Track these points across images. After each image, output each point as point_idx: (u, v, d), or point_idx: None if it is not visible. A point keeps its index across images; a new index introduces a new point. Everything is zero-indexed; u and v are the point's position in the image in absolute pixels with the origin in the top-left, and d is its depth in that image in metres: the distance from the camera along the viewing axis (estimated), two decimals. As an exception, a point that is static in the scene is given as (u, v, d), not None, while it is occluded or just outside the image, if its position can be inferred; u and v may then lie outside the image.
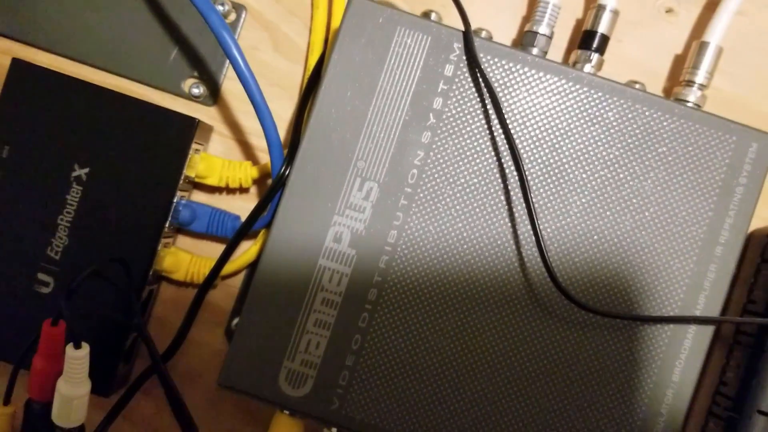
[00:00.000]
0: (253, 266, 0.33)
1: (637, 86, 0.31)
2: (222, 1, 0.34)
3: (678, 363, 0.28)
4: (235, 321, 0.34)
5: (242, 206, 0.34)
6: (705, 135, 0.29)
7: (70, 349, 0.27)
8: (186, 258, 0.33)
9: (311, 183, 0.29)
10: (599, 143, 0.28)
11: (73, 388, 0.28)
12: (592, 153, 0.28)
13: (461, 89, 0.28)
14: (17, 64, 0.32)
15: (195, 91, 0.34)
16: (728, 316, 0.30)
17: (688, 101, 0.31)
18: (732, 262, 0.28)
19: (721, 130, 0.29)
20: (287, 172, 0.29)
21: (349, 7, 0.28)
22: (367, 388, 0.28)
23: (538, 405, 0.28)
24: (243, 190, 0.34)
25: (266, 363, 0.28)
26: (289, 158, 0.29)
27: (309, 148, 0.29)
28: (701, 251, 0.28)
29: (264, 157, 0.34)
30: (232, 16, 0.34)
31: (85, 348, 0.28)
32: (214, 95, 0.34)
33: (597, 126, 0.29)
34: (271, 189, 0.29)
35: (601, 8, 0.31)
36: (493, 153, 0.28)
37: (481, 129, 0.28)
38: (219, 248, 0.34)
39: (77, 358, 0.27)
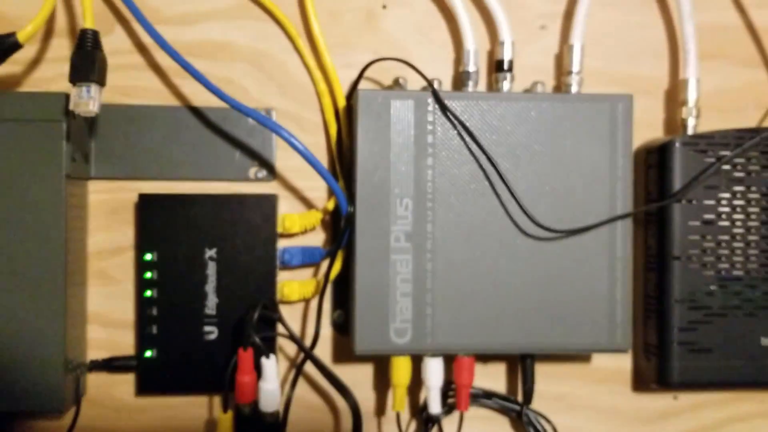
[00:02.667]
0: (339, 278, 0.49)
1: (539, 86, 0.48)
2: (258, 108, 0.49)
3: (618, 244, 0.46)
4: (336, 313, 0.50)
5: (315, 240, 0.50)
6: (589, 108, 0.46)
7: (264, 359, 0.43)
8: (296, 284, 0.48)
9: (370, 211, 0.45)
10: (529, 136, 0.46)
11: (270, 384, 0.43)
12: (525, 144, 0.46)
13: (441, 125, 0.45)
14: (144, 197, 0.47)
15: (259, 174, 0.50)
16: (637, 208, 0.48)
17: (571, 87, 0.48)
18: (629, 175, 0.46)
19: (597, 101, 0.46)
20: (352, 209, 0.45)
21: (359, 97, 0.45)
22: (444, 323, 0.45)
23: (543, 296, 0.46)
24: (311, 230, 0.50)
25: (379, 330, 0.45)
26: (351, 199, 0.45)
27: (362, 190, 0.45)
28: (609, 175, 0.46)
29: (318, 204, 0.50)
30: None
31: (273, 357, 0.43)
32: (272, 173, 0.50)
33: (524, 124, 0.46)
34: (346, 221, 0.45)
35: (501, 42, 0.48)
36: (472, 158, 0.45)
37: (459, 146, 0.45)
38: (309, 272, 0.50)
39: (270, 364, 0.43)
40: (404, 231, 0.45)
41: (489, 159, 0.45)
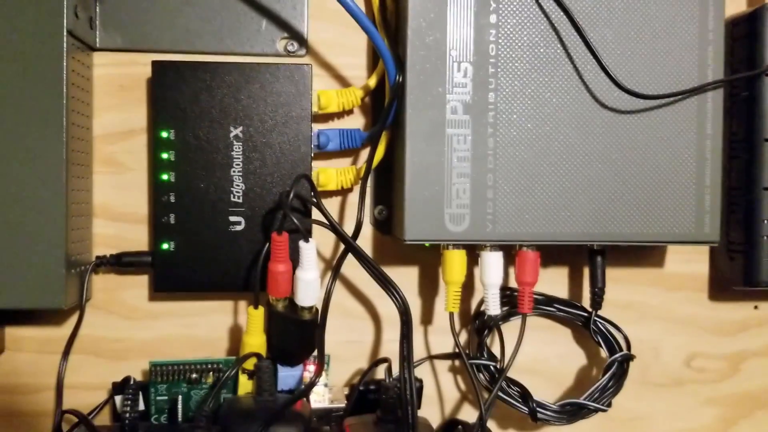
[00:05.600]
0: (380, 168, 0.43)
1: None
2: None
3: (708, 119, 0.40)
4: (378, 209, 0.44)
5: (354, 124, 0.44)
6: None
7: (302, 243, 0.37)
8: (333, 171, 0.42)
9: (422, 78, 0.38)
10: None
11: (308, 273, 0.37)
12: (603, 1, 0.39)
13: (506, -23, 0.39)
14: (158, 64, 0.40)
15: (290, 47, 0.43)
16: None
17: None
18: (721, 43, 0.40)
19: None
20: (401, 78, 0.39)
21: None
22: (507, 209, 0.39)
23: (620, 179, 0.40)
24: (348, 113, 0.44)
25: (433, 215, 0.39)
26: (400, 67, 0.39)
27: (413, 54, 0.38)
28: (699, 38, 0.40)
29: (357, 82, 0.44)
30: (298, -18, 0.43)
31: (313, 240, 0.37)
32: (304, 46, 0.43)
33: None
34: (393, 93, 0.39)
35: None
36: (542, 15, 0.39)
37: (528, 0, 0.39)
38: (347, 162, 0.44)
39: (309, 248, 0.37)
40: (462, 101, 0.39)
41: (566, 12, 0.38)
